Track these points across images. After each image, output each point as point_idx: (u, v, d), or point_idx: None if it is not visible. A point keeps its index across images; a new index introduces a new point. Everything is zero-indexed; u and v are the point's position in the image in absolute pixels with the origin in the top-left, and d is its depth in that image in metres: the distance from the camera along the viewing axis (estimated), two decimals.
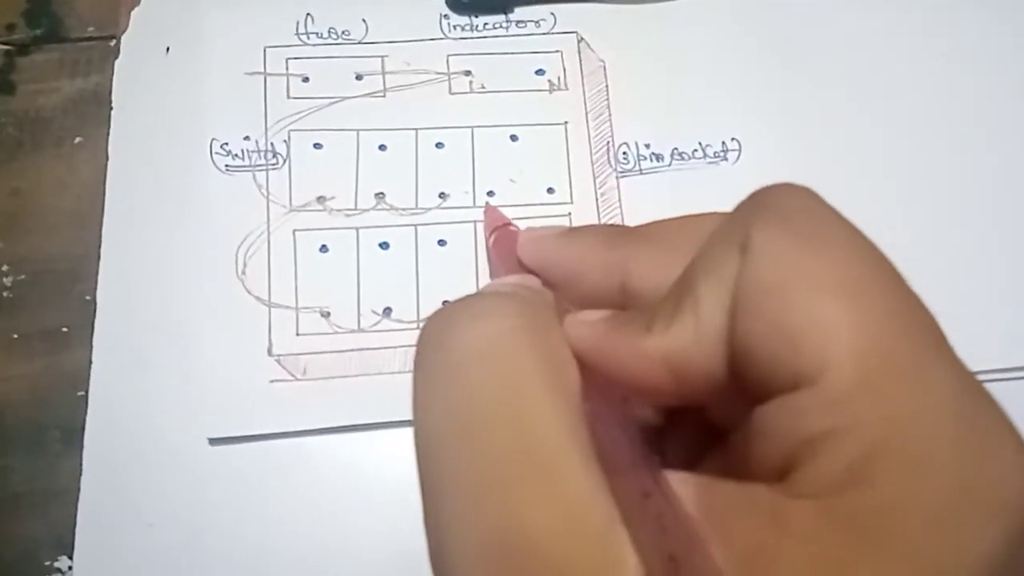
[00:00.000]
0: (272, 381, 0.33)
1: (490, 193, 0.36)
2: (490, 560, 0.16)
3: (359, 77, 0.37)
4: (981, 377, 0.17)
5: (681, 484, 0.18)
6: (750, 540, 0.16)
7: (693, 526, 0.16)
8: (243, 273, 0.34)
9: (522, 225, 0.35)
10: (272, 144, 0.36)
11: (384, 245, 0.35)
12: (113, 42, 0.38)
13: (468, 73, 0.38)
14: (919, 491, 0.15)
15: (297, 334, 0.34)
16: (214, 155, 0.36)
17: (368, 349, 0.34)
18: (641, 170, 0.37)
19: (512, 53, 0.38)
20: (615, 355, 0.19)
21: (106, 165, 0.36)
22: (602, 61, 0.38)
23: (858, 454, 0.15)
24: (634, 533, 0.16)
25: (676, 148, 0.37)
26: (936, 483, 0.15)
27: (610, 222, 0.36)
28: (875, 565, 0.15)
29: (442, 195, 0.36)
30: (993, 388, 0.17)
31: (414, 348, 0.33)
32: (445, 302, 0.34)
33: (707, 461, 0.20)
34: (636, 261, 0.23)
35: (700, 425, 0.21)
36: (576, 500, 0.16)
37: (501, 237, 0.33)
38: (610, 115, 0.37)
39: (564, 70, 0.38)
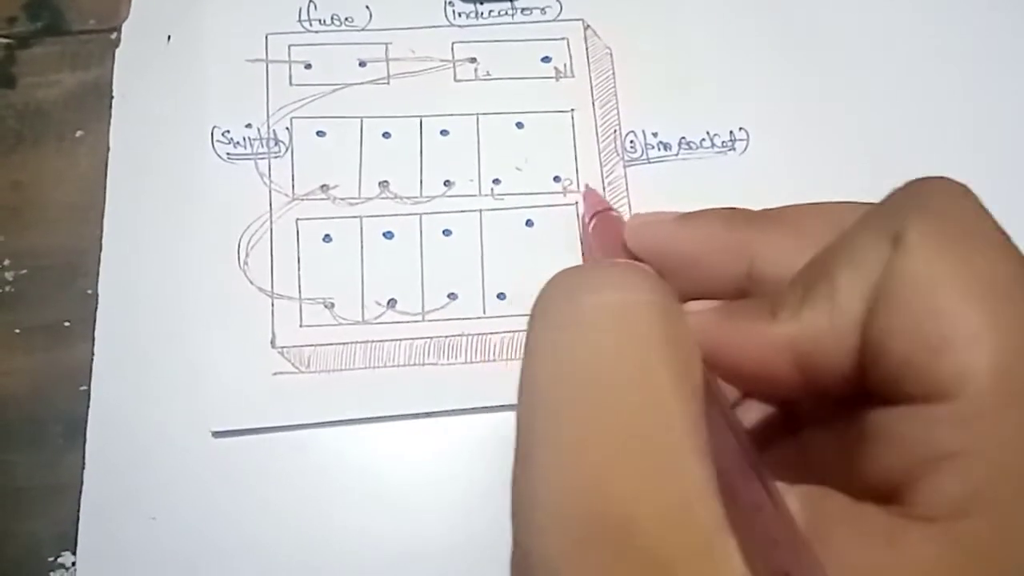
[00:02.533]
0: (275, 373, 0.32)
1: (495, 181, 0.35)
2: (584, 534, 0.15)
3: (362, 64, 0.37)
4: None
5: (787, 494, 0.17)
6: (863, 562, 0.15)
7: (807, 544, 0.15)
8: (245, 263, 0.34)
9: (530, 214, 0.35)
10: (274, 132, 0.36)
11: (388, 235, 0.35)
12: (114, 35, 0.38)
13: (473, 60, 0.37)
14: None
15: (300, 326, 0.33)
16: (215, 143, 0.35)
17: (372, 342, 0.33)
18: (648, 159, 0.36)
19: (517, 40, 0.38)
20: (733, 343, 0.18)
21: (107, 157, 0.36)
22: (608, 48, 0.38)
23: (984, 478, 0.15)
24: (743, 545, 0.14)
25: (684, 137, 0.36)
26: None
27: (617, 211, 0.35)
28: None
29: (447, 183, 0.35)
30: None
31: (420, 341, 0.33)
32: (451, 294, 0.34)
33: (786, 454, 0.19)
34: (764, 244, 0.22)
35: (766, 410, 0.20)
36: (686, 497, 0.15)
37: (602, 222, 0.32)
38: (617, 103, 0.37)
39: (570, 57, 0.37)
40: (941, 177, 0.18)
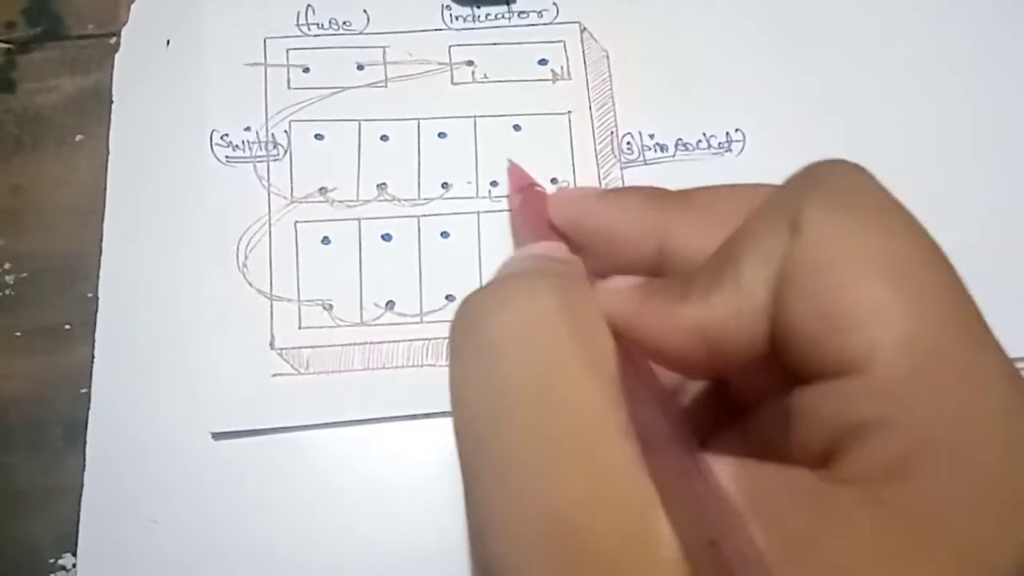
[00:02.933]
0: (274, 375, 0.33)
1: (493, 183, 0.36)
2: (532, 539, 0.16)
3: (360, 67, 0.37)
4: None
5: (718, 464, 0.17)
6: (793, 525, 0.16)
7: (734, 509, 0.16)
8: (244, 266, 0.34)
9: None
10: (273, 135, 0.36)
11: (386, 237, 0.35)
12: (113, 39, 0.38)
13: (470, 63, 0.37)
14: (969, 487, 0.15)
15: (299, 327, 0.33)
16: (214, 146, 0.35)
17: (371, 343, 0.33)
18: (645, 161, 0.36)
19: (515, 43, 0.38)
20: (647, 323, 0.19)
21: (107, 161, 0.36)
22: (605, 51, 0.38)
23: (907, 446, 0.15)
24: (673, 514, 0.15)
25: (680, 139, 0.37)
26: (986, 481, 0.15)
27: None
28: (923, 556, 0.14)
29: (445, 185, 0.35)
30: None
31: (418, 342, 0.33)
32: (449, 296, 0.34)
33: (728, 437, 0.19)
34: (678, 223, 0.23)
35: (715, 394, 0.21)
36: (616, 480, 0.16)
37: (527, 198, 0.32)
38: (614, 105, 0.37)
39: (567, 60, 0.38)
40: (837, 160, 0.19)
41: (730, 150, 0.36)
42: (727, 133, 0.37)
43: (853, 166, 0.18)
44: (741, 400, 0.20)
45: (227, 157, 0.35)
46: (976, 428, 0.15)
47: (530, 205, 0.32)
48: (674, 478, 0.16)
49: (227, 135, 0.36)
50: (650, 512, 0.15)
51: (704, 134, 0.37)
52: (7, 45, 0.38)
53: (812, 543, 0.15)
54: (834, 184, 0.18)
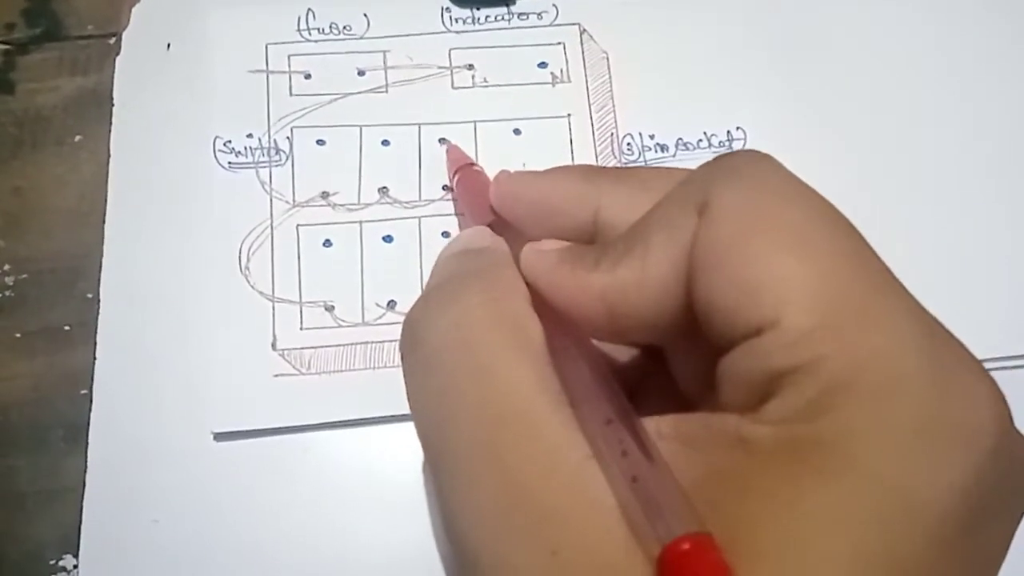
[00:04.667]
0: (276, 375, 0.33)
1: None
2: (489, 512, 0.18)
3: (361, 73, 0.37)
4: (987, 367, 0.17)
5: (657, 422, 0.18)
6: (716, 460, 0.17)
7: (654, 447, 0.17)
8: (246, 268, 0.34)
9: None
10: (275, 141, 0.36)
11: (388, 238, 0.35)
12: (112, 40, 0.38)
13: (471, 67, 0.38)
14: (883, 420, 0.16)
15: (301, 328, 0.33)
16: (217, 153, 0.36)
17: (372, 343, 0.33)
18: (646, 161, 0.36)
19: (514, 46, 0.38)
20: (562, 285, 0.21)
21: (107, 163, 0.36)
22: (605, 52, 0.38)
23: (821, 387, 0.16)
24: (599, 458, 0.17)
25: (681, 138, 0.37)
26: (901, 413, 0.16)
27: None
28: (840, 484, 0.15)
29: (445, 187, 0.36)
30: (996, 377, 0.17)
31: None
32: None
33: (668, 408, 0.20)
34: (610, 195, 0.24)
35: (673, 399, 0.22)
36: (551, 444, 0.18)
37: (465, 177, 0.33)
38: (614, 107, 0.37)
39: (567, 62, 0.38)
40: (746, 149, 0.21)
41: (731, 148, 0.37)
42: (728, 131, 0.37)
43: (760, 154, 0.20)
44: (683, 390, 0.22)
45: (230, 163, 0.36)
46: (888, 367, 0.16)
47: (468, 184, 0.33)
48: (598, 425, 0.18)
49: (230, 142, 0.36)
50: (583, 466, 0.17)
51: (705, 133, 0.37)
52: (7, 46, 0.38)
53: (733, 476, 0.16)
54: (739, 168, 0.19)
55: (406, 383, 0.22)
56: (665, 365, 0.22)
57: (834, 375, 0.16)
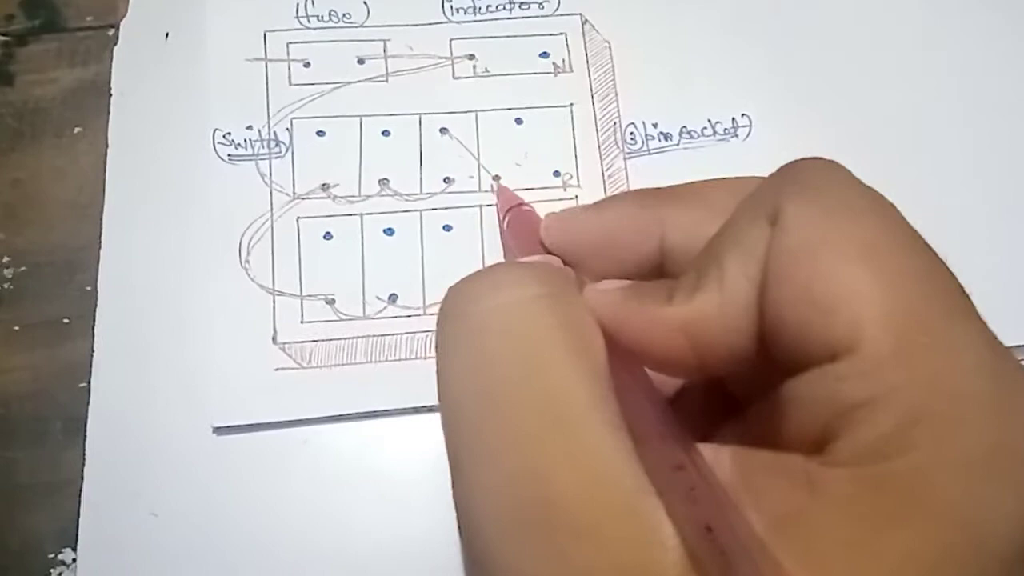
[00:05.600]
0: (277, 369, 0.32)
1: (496, 177, 0.35)
2: (520, 528, 0.16)
3: (361, 61, 0.37)
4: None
5: (714, 454, 0.18)
6: (785, 506, 0.16)
7: (727, 496, 0.16)
8: (247, 261, 0.34)
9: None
10: (275, 133, 0.36)
11: (389, 231, 0.35)
12: (111, 31, 0.38)
13: (471, 57, 0.37)
14: (955, 452, 0.15)
15: (302, 322, 0.33)
16: (217, 145, 0.35)
17: (373, 336, 0.33)
18: (649, 150, 0.36)
19: (516, 36, 0.38)
20: (633, 324, 0.19)
21: (106, 154, 0.35)
22: (607, 41, 0.38)
23: (897, 421, 0.15)
24: (667, 504, 0.16)
25: (685, 126, 0.36)
26: (973, 444, 0.15)
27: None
28: (912, 525, 0.15)
29: (447, 180, 0.35)
30: None
31: (421, 334, 0.33)
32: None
33: (726, 432, 0.20)
34: (672, 219, 0.23)
35: (714, 395, 0.21)
36: (602, 465, 0.16)
37: (516, 218, 0.32)
38: (616, 95, 0.37)
39: (569, 52, 0.37)
40: (813, 157, 0.19)
41: (736, 136, 0.36)
42: (733, 119, 0.36)
43: (829, 162, 0.19)
44: (740, 397, 0.21)
45: (229, 155, 0.35)
46: (962, 398, 0.15)
47: (519, 225, 0.32)
48: (666, 469, 0.17)
49: (229, 134, 0.36)
50: (641, 498, 0.16)
51: (709, 121, 0.36)
52: (5, 37, 0.38)
53: (804, 522, 0.16)
54: (810, 179, 0.18)
55: (440, 355, 0.20)
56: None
57: (907, 409, 0.15)
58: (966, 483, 0.15)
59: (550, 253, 0.27)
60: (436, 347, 0.20)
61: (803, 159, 0.19)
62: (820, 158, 0.19)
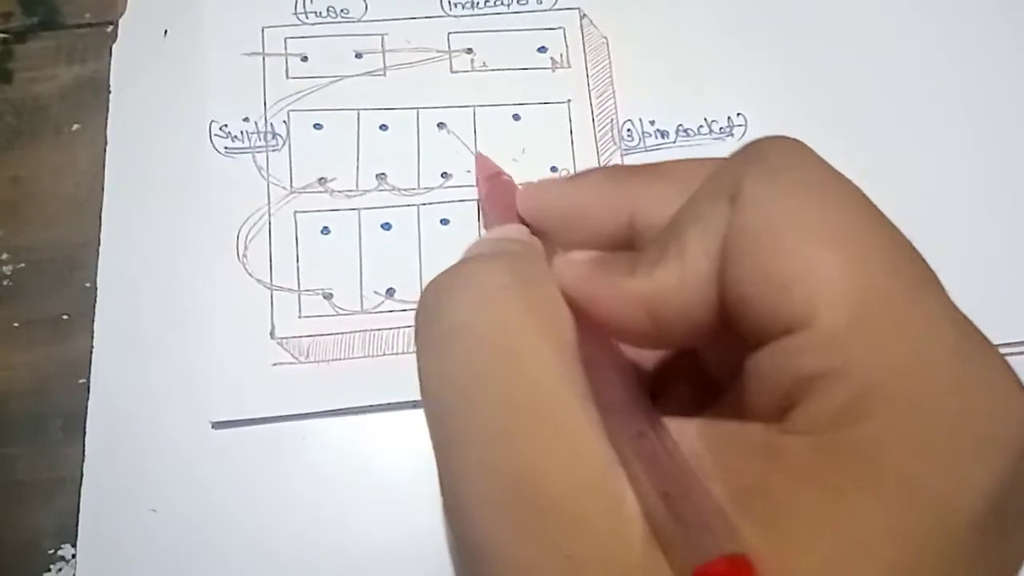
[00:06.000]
0: (275, 364, 0.32)
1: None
2: (502, 505, 0.17)
3: (359, 56, 0.37)
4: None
5: (681, 427, 0.18)
6: (747, 474, 0.16)
7: (687, 463, 0.17)
8: (244, 256, 0.34)
9: None
10: (272, 125, 0.36)
11: (386, 226, 0.35)
12: (110, 28, 0.38)
13: (469, 51, 0.37)
14: (915, 425, 0.15)
15: (299, 316, 0.33)
16: (213, 137, 0.35)
17: (371, 330, 0.33)
18: (646, 147, 0.36)
19: (514, 30, 0.38)
20: (598, 295, 0.20)
21: (105, 150, 0.36)
22: (605, 37, 0.38)
23: (854, 392, 0.15)
24: (629, 471, 0.17)
25: (681, 124, 0.36)
26: (933, 418, 0.15)
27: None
28: (870, 496, 0.15)
29: (444, 175, 0.35)
30: None
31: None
32: None
33: (696, 408, 0.20)
34: (642, 194, 0.23)
35: (697, 381, 0.21)
36: (575, 440, 0.17)
37: (494, 187, 0.33)
38: (614, 92, 0.37)
39: (567, 47, 0.37)
40: (776, 136, 0.19)
41: (732, 134, 0.36)
42: (728, 117, 0.37)
43: (792, 140, 0.19)
44: (711, 373, 0.21)
45: (226, 148, 0.35)
46: (922, 370, 0.16)
47: (497, 194, 0.32)
48: (629, 437, 0.17)
49: (226, 126, 0.36)
50: (608, 469, 0.17)
51: (705, 119, 0.36)
52: (4, 35, 0.38)
53: (762, 488, 0.16)
54: (772, 158, 0.19)
55: (418, 355, 0.21)
56: (690, 348, 0.22)
57: (867, 379, 0.15)
58: (925, 455, 0.15)
59: (525, 223, 0.28)
60: (416, 346, 0.21)
61: (767, 137, 0.19)
62: (784, 137, 0.19)
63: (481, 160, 0.35)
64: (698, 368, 0.22)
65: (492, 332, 0.19)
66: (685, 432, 0.18)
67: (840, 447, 0.15)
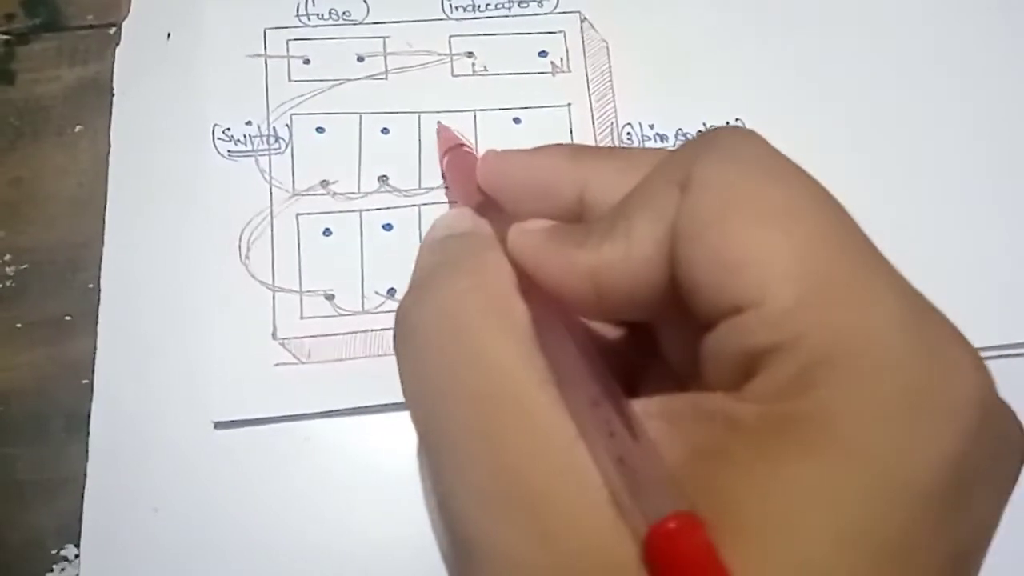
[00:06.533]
0: (277, 364, 0.33)
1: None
2: (485, 496, 0.18)
3: (361, 59, 0.37)
4: (983, 355, 0.17)
5: (644, 402, 0.19)
6: (701, 439, 0.17)
7: (641, 429, 0.17)
8: (247, 258, 0.34)
9: None
10: (274, 129, 0.36)
11: (387, 227, 0.35)
12: (112, 30, 0.38)
13: (471, 55, 0.37)
14: (866, 395, 0.15)
15: (301, 317, 0.33)
16: (216, 141, 0.35)
17: (373, 331, 0.33)
18: None
19: (515, 34, 0.38)
20: (549, 264, 0.21)
21: (107, 152, 0.36)
22: (605, 41, 0.38)
23: (803, 364, 0.16)
24: (587, 440, 0.18)
25: (680, 128, 0.37)
26: (884, 387, 0.16)
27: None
28: (820, 463, 0.15)
29: (445, 176, 0.35)
30: (992, 366, 0.17)
31: None
32: None
33: (657, 388, 0.20)
34: (596, 174, 0.24)
35: (669, 380, 0.22)
36: (541, 424, 0.18)
37: (455, 158, 0.33)
38: (614, 96, 0.37)
39: (567, 51, 0.38)
40: (730, 126, 0.20)
41: None
42: (727, 122, 0.37)
43: (743, 129, 0.20)
44: (679, 364, 0.22)
45: (229, 151, 0.35)
46: (870, 342, 0.16)
47: (457, 165, 0.33)
48: (585, 406, 0.18)
49: (229, 130, 0.36)
50: (573, 445, 0.17)
51: (704, 123, 0.37)
52: (6, 36, 0.38)
53: (718, 455, 0.16)
54: (723, 145, 0.19)
55: (400, 372, 0.22)
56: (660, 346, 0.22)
57: (816, 352, 0.16)
58: (879, 424, 0.15)
59: (484, 193, 0.29)
60: (396, 362, 0.22)
61: (720, 128, 0.20)
62: (737, 127, 0.20)
63: (443, 131, 0.35)
64: (669, 370, 0.22)
65: (455, 340, 0.20)
66: (648, 407, 0.18)
67: (790, 414, 0.16)
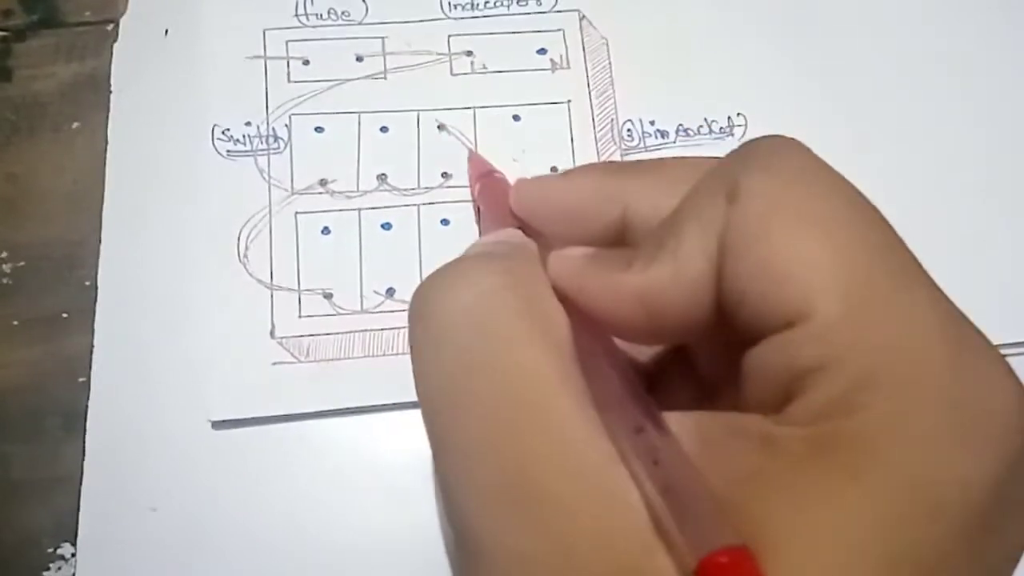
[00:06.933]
0: (275, 363, 0.33)
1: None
2: (501, 498, 0.17)
3: (359, 59, 0.37)
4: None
5: (680, 422, 0.18)
6: (743, 466, 0.16)
7: (686, 457, 0.17)
8: (245, 256, 0.34)
9: None
10: (273, 129, 0.36)
11: (386, 226, 0.35)
12: (110, 26, 0.38)
13: (469, 53, 0.37)
14: (909, 415, 0.15)
15: (299, 316, 0.33)
16: (216, 141, 0.35)
17: (371, 330, 0.33)
18: (646, 147, 0.36)
19: (513, 32, 0.38)
20: (593, 289, 0.20)
21: (104, 150, 0.36)
22: (604, 38, 0.38)
23: (848, 384, 0.16)
24: (629, 468, 0.17)
25: (681, 124, 0.37)
26: (927, 407, 0.15)
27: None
28: (859, 484, 0.15)
29: (444, 175, 0.35)
30: None
31: None
32: None
33: (693, 405, 0.20)
34: (635, 190, 0.23)
35: (690, 380, 0.22)
36: (573, 440, 0.17)
37: (487, 186, 0.33)
38: (614, 92, 0.37)
39: (566, 48, 0.38)
40: (773, 135, 0.20)
41: (732, 134, 0.36)
42: (728, 117, 0.37)
43: (787, 138, 0.19)
44: (703, 371, 0.21)
45: (228, 151, 0.35)
46: (913, 361, 0.16)
47: (490, 192, 0.32)
48: (628, 433, 0.18)
49: (228, 130, 0.36)
50: (609, 467, 0.17)
51: (705, 119, 0.37)
52: (3, 32, 0.38)
53: (760, 482, 0.16)
54: (768, 155, 0.19)
55: (412, 354, 0.21)
56: (684, 349, 0.22)
57: (859, 371, 0.16)
58: (921, 446, 0.15)
59: (519, 219, 0.28)
60: (409, 345, 0.21)
61: (763, 136, 0.20)
62: (780, 136, 0.19)
63: (474, 159, 0.35)
64: (691, 368, 0.22)
65: (482, 333, 0.19)
66: (683, 426, 0.18)
67: (833, 439, 0.16)
